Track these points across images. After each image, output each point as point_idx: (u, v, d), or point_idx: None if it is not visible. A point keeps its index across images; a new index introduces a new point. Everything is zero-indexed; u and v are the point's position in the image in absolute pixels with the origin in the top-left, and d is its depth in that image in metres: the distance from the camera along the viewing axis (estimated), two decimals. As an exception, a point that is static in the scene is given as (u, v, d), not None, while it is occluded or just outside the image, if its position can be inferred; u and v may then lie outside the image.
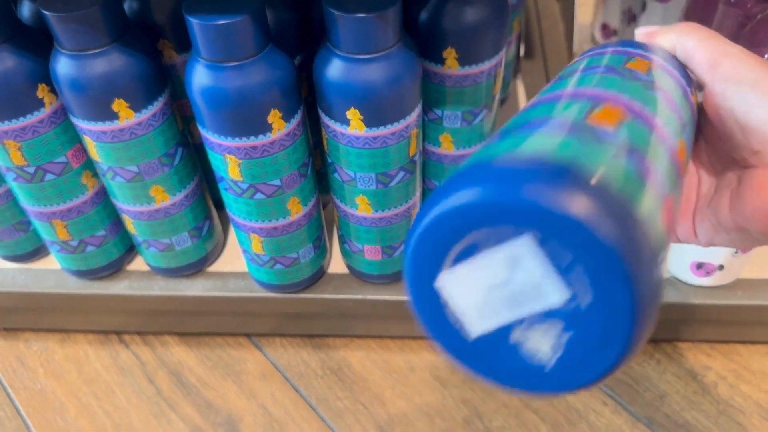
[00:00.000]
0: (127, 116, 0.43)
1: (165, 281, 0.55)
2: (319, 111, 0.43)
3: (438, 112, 0.49)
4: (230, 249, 0.57)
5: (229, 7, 0.37)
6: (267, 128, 0.41)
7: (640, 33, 0.31)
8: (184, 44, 0.48)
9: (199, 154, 0.50)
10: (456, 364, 0.23)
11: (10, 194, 0.52)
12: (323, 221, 0.52)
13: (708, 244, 0.31)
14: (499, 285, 0.21)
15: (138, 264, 0.57)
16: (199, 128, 0.42)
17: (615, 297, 0.19)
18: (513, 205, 0.19)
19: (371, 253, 0.50)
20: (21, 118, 0.44)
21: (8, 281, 0.56)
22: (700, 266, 0.52)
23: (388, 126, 0.42)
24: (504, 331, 0.22)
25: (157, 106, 0.44)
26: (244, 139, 0.41)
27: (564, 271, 0.20)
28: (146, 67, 0.42)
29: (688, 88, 0.28)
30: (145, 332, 0.60)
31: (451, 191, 0.21)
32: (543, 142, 0.22)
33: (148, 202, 0.48)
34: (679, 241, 0.32)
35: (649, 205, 0.21)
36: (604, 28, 0.75)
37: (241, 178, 0.43)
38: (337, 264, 0.56)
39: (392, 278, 0.53)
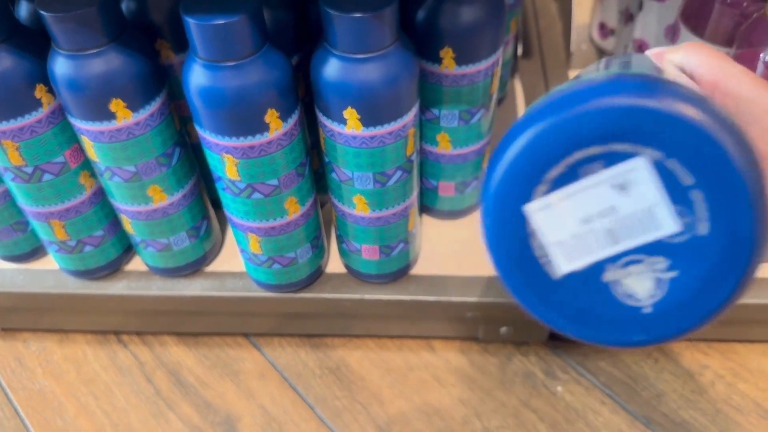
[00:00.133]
0: (124, 116, 0.43)
1: (163, 281, 0.55)
2: (317, 110, 0.43)
3: (435, 111, 0.49)
4: (228, 249, 0.57)
5: (226, 6, 0.37)
6: (264, 128, 0.41)
7: (650, 54, 0.31)
8: (182, 44, 0.48)
9: (196, 153, 0.50)
10: (531, 307, 0.20)
11: (7, 194, 0.52)
12: (321, 221, 0.52)
13: None
14: (602, 214, 0.19)
15: (136, 264, 0.57)
16: (197, 128, 0.42)
17: (736, 228, 0.18)
18: (640, 117, 0.17)
19: (369, 252, 0.50)
20: (19, 118, 0.44)
21: (6, 281, 0.56)
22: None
23: (386, 125, 0.42)
24: (596, 269, 0.20)
25: (154, 106, 0.44)
26: (242, 138, 0.41)
27: (678, 199, 0.18)
28: (144, 67, 0.42)
29: None
30: (143, 332, 0.61)
31: (558, 105, 0.18)
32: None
33: (145, 202, 0.48)
34: None
35: None
36: (602, 27, 0.75)
37: (238, 178, 0.43)
38: (335, 264, 0.56)
39: (390, 278, 0.53)
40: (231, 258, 0.57)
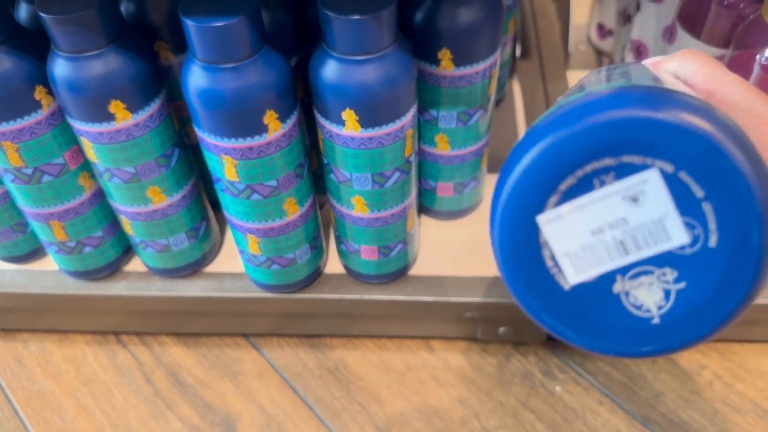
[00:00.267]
0: (123, 117, 0.43)
1: (162, 282, 0.55)
2: (315, 112, 0.43)
3: (433, 112, 0.49)
4: (227, 250, 0.58)
5: (225, 8, 0.37)
6: (263, 129, 0.41)
7: (646, 63, 0.32)
8: (181, 45, 0.48)
9: (195, 154, 0.51)
10: (539, 318, 0.21)
11: (7, 196, 0.52)
12: (320, 222, 0.52)
13: None
14: (612, 225, 0.19)
15: (135, 265, 0.57)
16: (196, 129, 0.43)
17: (745, 238, 0.18)
18: (653, 129, 0.18)
19: (368, 253, 0.51)
20: (18, 120, 0.44)
21: (6, 282, 0.56)
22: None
23: (384, 127, 0.42)
24: (606, 280, 0.20)
25: (153, 107, 0.44)
26: (240, 140, 0.41)
27: (688, 211, 0.18)
28: (143, 69, 0.42)
29: None
30: (142, 332, 0.61)
31: (571, 117, 0.19)
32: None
33: (145, 203, 0.48)
34: None
35: None
36: (600, 28, 0.75)
37: (237, 179, 0.43)
38: (333, 264, 0.56)
39: (389, 278, 0.54)
40: (230, 259, 0.57)
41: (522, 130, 0.66)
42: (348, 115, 0.41)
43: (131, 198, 0.48)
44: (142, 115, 0.43)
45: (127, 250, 0.56)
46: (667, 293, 0.19)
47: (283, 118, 0.41)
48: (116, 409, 0.56)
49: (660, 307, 0.19)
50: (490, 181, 0.59)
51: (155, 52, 0.48)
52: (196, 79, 0.39)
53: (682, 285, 0.19)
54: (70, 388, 0.57)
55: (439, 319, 0.56)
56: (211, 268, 0.56)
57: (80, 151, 0.48)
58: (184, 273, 0.55)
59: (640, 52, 0.64)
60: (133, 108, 0.43)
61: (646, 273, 0.19)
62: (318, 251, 0.53)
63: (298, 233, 0.49)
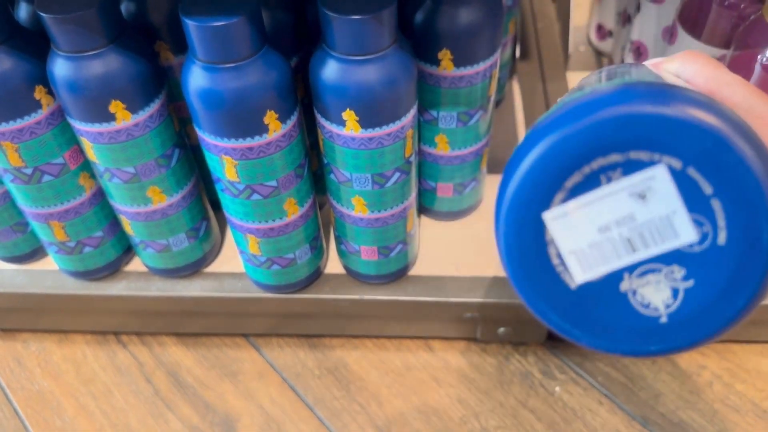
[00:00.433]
0: (124, 118, 0.43)
1: (162, 282, 0.55)
2: (315, 112, 0.43)
3: (433, 113, 0.49)
4: (227, 250, 0.58)
5: (225, 8, 0.37)
6: (263, 129, 0.41)
7: (647, 64, 0.32)
8: (181, 46, 0.48)
9: (195, 155, 0.51)
10: (545, 317, 0.20)
11: (7, 195, 0.52)
12: (320, 222, 0.52)
13: None
14: (619, 222, 0.19)
15: (135, 265, 0.57)
16: (196, 129, 0.43)
17: (754, 235, 0.18)
18: (661, 125, 0.17)
19: (367, 253, 0.51)
20: (18, 120, 0.44)
21: (6, 282, 0.56)
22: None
23: (384, 127, 0.42)
24: (613, 279, 0.19)
25: (153, 107, 0.44)
26: (241, 140, 0.41)
27: (696, 208, 0.18)
28: (143, 69, 0.42)
29: None
30: (142, 332, 0.61)
31: (577, 113, 0.18)
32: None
33: (145, 203, 0.48)
34: None
35: None
36: (599, 29, 0.75)
37: (237, 179, 0.43)
38: (333, 264, 0.56)
39: (389, 278, 0.54)
40: (230, 259, 0.57)
41: (522, 131, 0.66)
42: (348, 115, 0.41)
43: (131, 198, 0.48)
44: (142, 115, 0.43)
45: (127, 250, 0.56)
46: (675, 291, 0.19)
47: (283, 119, 0.41)
48: (116, 409, 0.56)
49: (668, 306, 0.19)
50: (489, 182, 0.59)
51: (155, 52, 0.48)
52: (196, 79, 0.39)
53: (690, 283, 0.19)
54: (69, 388, 0.57)
55: (438, 320, 0.56)
56: (211, 268, 0.56)
57: (80, 151, 0.48)
58: (184, 273, 0.55)
59: (640, 52, 0.64)
60: (133, 108, 0.43)
61: (653, 271, 0.19)
62: (318, 251, 0.53)
63: (298, 233, 0.49)
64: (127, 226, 0.51)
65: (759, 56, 0.44)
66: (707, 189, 0.18)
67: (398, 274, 0.54)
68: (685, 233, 0.18)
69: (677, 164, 0.18)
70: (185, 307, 0.56)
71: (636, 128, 0.18)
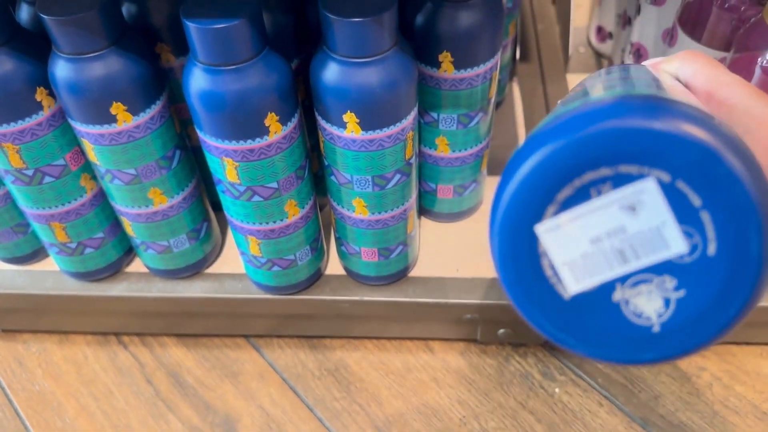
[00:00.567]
0: (125, 119, 0.43)
1: (163, 283, 0.56)
2: (316, 114, 0.43)
3: (434, 115, 0.49)
4: (228, 251, 0.58)
5: (227, 10, 0.38)
6: (264, 131, 0.41)
7: (646, 64, 0.32)
8: (182, 47, 0.48)
9: (196, 156, 0.51)
10: (540, 326, 0.21)
11: (8, 197, 0.52)
12: (320, 223, 0.52)
13: None
14: (611, 234, 0.19)
15: (136, 266, 0.57)
16: (197, 131, 0.43)
17: (743, 247, 0.18)
18: (649, 139, 0.18)
19: (368, 255, 0.51)
20: (19, 121, 0.44)
21: (7, 283, 0.56)
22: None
23: (385, 129, 0.42)
24: (605, 290, 0.20)
25: (155, 109, 0.44)
26: (242, 142, 0.41)
27: (686, 220, 0.18)
28: (144, 71, 0.42)
29: None
30: (143, 333, 0.61)
31: (568, 126, 0.19)
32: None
33: (146, 204, 0.48)
34: None
35: None
36: (599, 30, 0.75)
37: (238, 181, 0.43)
38: (334, 266, 0.56)
39: (389, 280, 0.54)
40: (231, 260, 0.57)
41: (522, 133, 0.66)
42: (349, 117, 0.41)
43: (132, 199, 0.48)
44: (144, 117, 0.43)
45: (128, 251, 0.56)
46: (666, 301, 0.19)
47: (284, 121, 0.41)
48: (117, 410, 0.56)
49: (660, 315, 0.20)
50: (490, 183, 0.59)
51: (156, 54, 0.48)
52: (197, 81, 0.39)
53: (681, 293, 0.19)
54: (70, 388, 0.57)
55: (438, 321, 0.56)
56: (211, 269, 0.56)
57: (81, 153, 0.48)
58: (185, 274, 0.55)
59: (640, 55, 0.64)
60: (134, 110, 0.43)
61: (645, 281, 0.19)
62: (318, 253, 0.53)
63: (299, 235, 0.49)
64: (128, 227, 0.51)
65: (759, 59, 0.44)
66: (696, 201, 0.18)
67: (398, 276, 0.54)
68: (675, 244, 0.19)
69: (666, 177, 0.18)
70: (186, 308, 0.56)
71: (624, 142, 0.18)
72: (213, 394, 0.56)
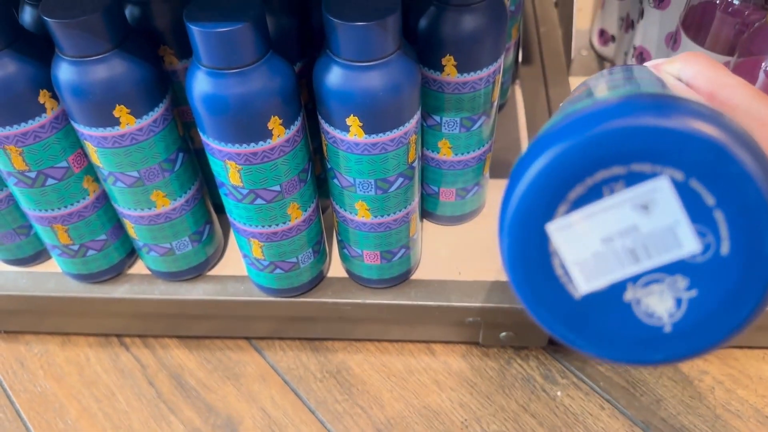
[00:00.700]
0: (128, 122, 0.43)
1: (165, 285, 0.56)
2: (319, 117, 0.43)
3: (437, 118, 0.49)
4: (230, 253, 0.58)
5: (230, 14, 0.38)
6: (267, 135, 0.41)
7: (648, 65, 0.32)
8: (185, 50, 0.48)
9: (199, 158, 0.51)
10: (549, 326, 0.21)
11: (11, 198, 0.52)
12: (323, 226, 0.52)
13: None
14: (623, 233, 0.19)
15: (139, 268, 0.57)
16: (200, 134, 0.43)
17: (757, 246, 0.18)
18: (662, 137, 0.17)
19: (370, 257, 0.51)
20: (22, 124, 0.44)
21: (9, 284, 0.56)
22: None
23: (388, 133, 0.42)
24: (617, 289, 0.20)
25: (158, 112, 0.44)
26: (245, 145, 0.41)
27: (699, 219, 0.18)
28: (147, 74, 0.42)
29: None
30: (145, 335, 0.61)
31: (580, 125, 0.18)
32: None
33: (148, 206, 0.48)
34: None
35: None
36: (602, 34, 0.75)
37: (241, 184, 0.43)
38: (336, 268, 0.56)
39: (391, 282, 0.54)
40: (233, 262, 0.57)
41: (524, 136, 0.66)
42: (352, 120, 0.41)
43: (135, 202, 0.48)
44: (147, 119, 0.44)
45: (131, 254, 0.56)
46: (678, 301, 0.19)
47: (287, 124, 0.41)
48: (118, 412, 0.56)
49: (671, 315, 0.19)
50: (492, 187, 0.59)
51: (160, 56, 0.48)
52: (200, 84, 0.39)
53: (693, 293, 0.19)
54: (72, 390, 0.57)
55: (440, 324, 0.56)
56: (214, 271, 0.56)
57: (84, 155, 0.48)
58: (188, 276, 0.55)
59: (642, 58, 0.64)
60: (137, 112, 0.43)
61: (657, 281, 0.19)
62: (321, 255, 0.53)
63: (301, 238, 0.49)
64: (131, 229, 0.51)
65: (763, 63, 0.44)
66: (710, 200, 0.18)
67: (401, 279, 0.54)
68: (688, 244, 0.19)
69: (679, 176, 0.18)
70: (188, 310, 0.56)
71: (638, 141, 0.18)
72: (215, 396, 0.56)
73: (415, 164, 0.46)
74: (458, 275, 0.54)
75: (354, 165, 0.44)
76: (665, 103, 0.19)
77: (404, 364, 0.58)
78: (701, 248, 0.19)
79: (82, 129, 0.44)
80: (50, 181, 0.47)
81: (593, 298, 0.20)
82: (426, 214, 0.58)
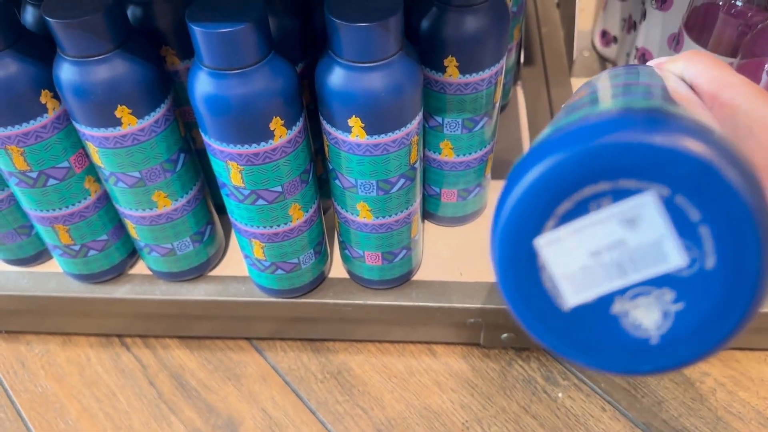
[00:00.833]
0: (129, 122, 0.43)
1: (167, 285, 0.55)
2: (321, 118, 0.43)
3: (439, 119, 0.49)
4: (232, 254, 0.58)
5: (232, 14, 0.38)
6: (269, 135, 0.41)
7: (651, 64, 0.31)
8: (187, 51, 0.48)
9: (201, 159, 0.51)
10: (540, 337, 0.21)
11: (12, 198, 0.52)
12: (324, 227, 0.52)
13: None
14: (610, 248, 0.19)
15: (140, 268, 0.57)
16: (202, 135, 0.43)
17: (742, 261, 0.18)
18: (648, 154, 0.18)
19: (372, 258, 0.51)
20: (24, 124, 0.44)
21: (10, 284, 0.56)
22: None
23: (389, 134, 0.42)
24: (604, 302, 0.20)
25: (159, 112, 0.44)
26: (246, 146, 0.41)
27: (685, 234, 0.18)
28: (149, 74, 0.42)
29: None
30: (146, 335, 0.61)
31: (568, 140, 0.19)
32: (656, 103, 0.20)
33: (150, 207, 0.48)
34: None
35: None
36: (604, 35, 0.75)
37: (242, 185, 0.43)
38: (337, 269, 0.56)
39: (393, 284, 0.54)
40: (234, 263, 0.57)
41: (525, 136, 0.66)
42: (354, 121, 0.41)
43: (136, 202, 0.48)
44: (148, 120, 0.43)
45: (132, 254, 0.56)
46: (665, 314, 0.20)
47: (288, 125, 0.41)
48: (119, 412, 0.56)
49: (658, 327, 0.20)
50: (494, 187, 0.59)
51: (161, 57, 0.48)
52: (202, 85, 0.39)
53: (680, 306, 0.19)
54: (73, 390, 0.57)
55: (441, 325, 0.56)
56: (215, 272, 0.56)
57: (86, 155, 0.48)
58: (189, 277, 0.55)
59: (645, 59, 0.64)
60: (139, 113, 0.43)
61: (644, 294, 0.20)
62: (322, 256, 0.53)
63: (303, 238, 0.49)
64: (132, 229, 0.51)
65: (766, 65, 0.44)
66: (695, 216, 0.18)
67: (402, 280, 0.54)
68: (674, 258, 0.19)
69: (665, 192, 0.18)
70: (189, 311, 0.56)
71: (624, 157, 0.18)
72: (215, 397, 0.56)
73: (417, 165, 0.46)
74: (459, 276, 0.54)
75: (356, 166, 0.44)
76: (654, 119, 0.19)
77: (405, 365, 0.57)
78: (687, 262, 0.19)
79: (84, 129, 0.43)
80: (51, 182, 0.47)
81: (582, 310, 0.20)
82: (427, 215, 0.58)
